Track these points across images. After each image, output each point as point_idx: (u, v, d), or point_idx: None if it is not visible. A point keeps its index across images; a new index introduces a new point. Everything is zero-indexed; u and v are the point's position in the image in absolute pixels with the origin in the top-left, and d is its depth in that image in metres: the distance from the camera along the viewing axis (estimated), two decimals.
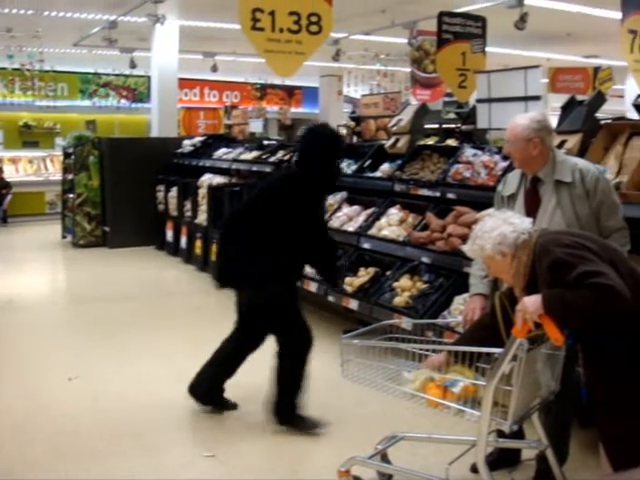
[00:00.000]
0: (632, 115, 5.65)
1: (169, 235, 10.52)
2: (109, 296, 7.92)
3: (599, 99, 5.06)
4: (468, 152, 5.61)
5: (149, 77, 13.66)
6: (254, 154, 8.99)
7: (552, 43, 14.63)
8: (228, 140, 11.29)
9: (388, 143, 6.78)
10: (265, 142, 10.01)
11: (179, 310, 7.34)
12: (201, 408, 4.58)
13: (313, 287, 6.11)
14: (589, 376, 2.80)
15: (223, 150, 10.05)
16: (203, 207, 9.42)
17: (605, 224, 3.30)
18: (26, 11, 11.74)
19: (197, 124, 17.91)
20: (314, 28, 7.26)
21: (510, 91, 5.65)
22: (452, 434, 3.68)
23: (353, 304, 5.71)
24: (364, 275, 5.80)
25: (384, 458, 3.51)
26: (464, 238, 4.66)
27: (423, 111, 6.89)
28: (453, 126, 9.51)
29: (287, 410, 4.29)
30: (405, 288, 5.37)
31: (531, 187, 3.44)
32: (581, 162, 3.43)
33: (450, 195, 5.46)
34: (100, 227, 11.29)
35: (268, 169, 8.02)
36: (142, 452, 4.07)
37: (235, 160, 9.15)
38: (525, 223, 2.89)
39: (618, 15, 7.99)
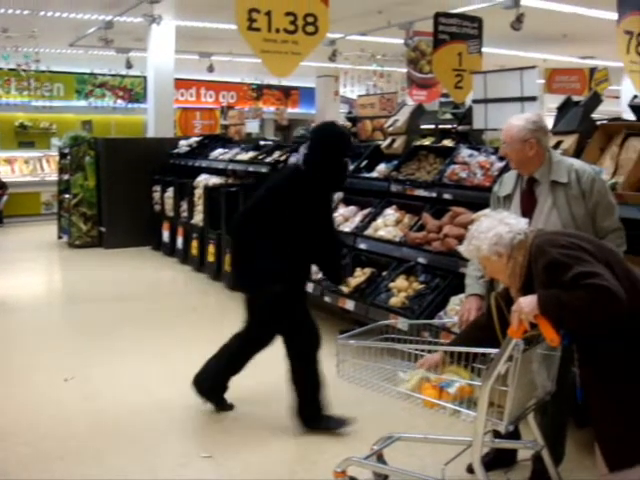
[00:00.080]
0: (628, 116, 5.64)
1: (165, 236, 10.51)
2: (105, 296, 7.91)
3: (595, 100, 5.06)
4: (464, 153, 5.62)
5: (145, 77, 13.67)
6: (250, 154, 8.98)
7: (548, 44, 14.66)
8: (224, 140, 11.28)
9: (384, 143, 6.78)
10: (261, 142, 9.99)
11: (175, 310, 7.33)
12: (198, 405, 4.57)
13: (309, 287, 6.10)
14: (585, 376, 2.80)
15: (219, 150, 10.04)
16: (199, 207, 9.41)
17: (601, 225, 3.31)
18: (22, 11, 11.73)
19: (193, 124, 17.87)
20: (310, 28, 7.25)
21: (506, 92, 5.65)
22: (448, 434, 3.69)
23: (349, 304, 5.71)
24: (360, 275, 5.80)
25: (380, 459, 3.51)
26: (460, 239, 4.66)
27: (419, 112, 6.89)
28: (449, 127, 9.49)
29: (309, 412, 4.27)
30: (401, 288, 5.37)
31: (527, 188, 3.44)
32: (577, 163, 3.44)
33: (446, 196, 5.46)
34: (96, 227, 11.28)
35: (264, 169, 8.02)
36: (139, 452, 4.06)
37: (231, 160, 9.15)
38: (521, 223, 2.89)
39: (614, 16, 7.99)
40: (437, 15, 9.54)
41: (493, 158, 5.36)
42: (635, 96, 7.16)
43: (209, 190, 9.02)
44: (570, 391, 3.17)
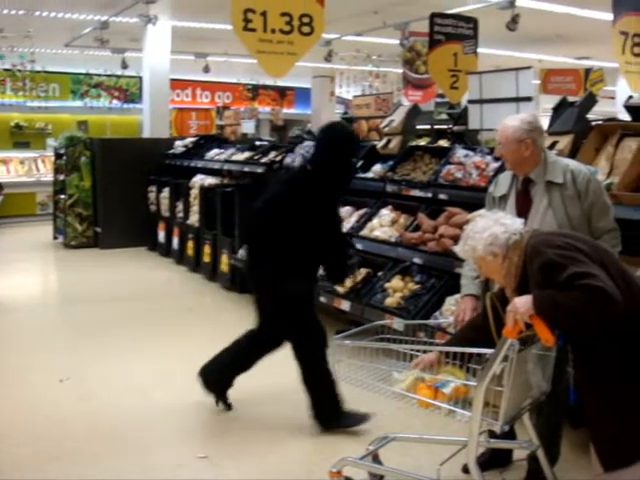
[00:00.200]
0: (623, 116, 5.65)
1: (161, 236, 10.50)
2: (100, 297, 7.90)
3: (590, 100, 5.08)
4: (460, 153, 5.62)
5: (141, 78, 13.64)
6: (246, 155, 8.98)
7: (543, 44, 14.67)
8: (220, 141, 11.27)
9: (380, 144, 6.79)
10: (257, 143, 9.99)
11: (171, 311, 7.32)
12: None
13: None
14: (580, 377, 2.81)
15: (215, 151, 10.03)
16: (195, 208, 9.40)
17: (596, 225, 3.31)
18: (17, 11, 11.69)
19: (189, 125, 17.86)
20: (306, 29, 7.25)
21: (502, 92, 5.66)
22: (443, 435, 3.69)
23: (345, 305, 5.72)
24: (356, 276, 5.79)
25: (375, 459, 3.50)
26: (456, 239, 4.66)
27: (415, 112, 6.90)
28: (445, 127, 9.50)
29: (326, 412, 4.25)
30: (397, 289, 5.38)
31: (522, 188, 3.44)
32: (572, 163, 3.44)
33: (442, 196, 5.46)
34: (92, 228, 11.26)
35: (260, 170, 8.02)
36: (134, 453, 4.05)
37: (227, 161, 9.14)
38: (516, 224, 2.89)
39: (609, 17, 8.01)
40: (432, 15, 9.53)
41: (489, 158, 5.37)
42: (630, 96, 7.19)
43: (205, 190, 9.02)
44: (565, 391, 3.18)
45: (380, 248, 5.79)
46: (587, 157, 4.35)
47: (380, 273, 5.70)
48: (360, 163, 6.66)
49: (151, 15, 11.22)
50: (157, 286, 8.75)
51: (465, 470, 3.53)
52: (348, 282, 5.72)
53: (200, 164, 9.80)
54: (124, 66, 13.59)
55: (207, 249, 8.68)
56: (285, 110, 20.65)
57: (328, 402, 4.24)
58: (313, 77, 19.50)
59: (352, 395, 4.00)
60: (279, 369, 4.50)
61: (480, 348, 2.81)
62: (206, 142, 10.98)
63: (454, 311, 3.87)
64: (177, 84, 19.14)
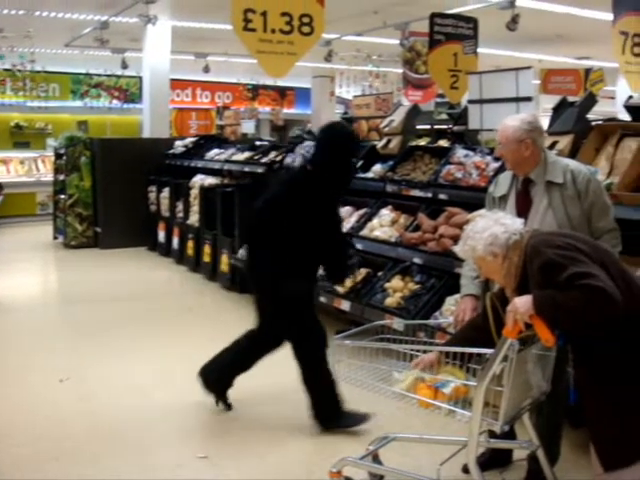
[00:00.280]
0: (623, 116, 5.65)
1: (161, 236, 10.50)
2: (100, 297, 7.90)
3: (590, 100, 5.08)
4: (460, 153, 5.62)
5: (141, 78, 13.65)
6: (246, 155, 8.98)
7: (543, 44, 14.67)
8: (220, 141, 11.27)
9: (380, 144, 6.79)
10: (257, 143, 9.99)
11: (171, 311, 7.32)
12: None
13: None
14: (580, 377, 2.81)
15: (215, 151, 10.03)
16: (195, 208, 9.40)
17: (596, 225, 3.31)
18: (17, 11, 11.69)
19: (189, 125, 17.85)
20: (306, 29, 7.25)
21: (502, 92, 5.66)
22: (443, 435, 3.69)
23: (345, 305, 5.72)
24: (356, 276, 5.79)
25: (375, 459, 3.50)
26: (456, 239, 4.66)
27: (415, 112, 6.90)
28: (445, 127, 9.50)
29: (326, 412, 4.25)
30: (397, 289, 5.38)
31: (522, 188, 3.44)
32: (572, 163, 3.44)
33: (442, 196, 5.46)
34: (92, 228, 11.26)
35: (260, 170, 8.01)
36: (134, 453, 4.05)
37: (227, 161, 9.14)
38: (516, 224, 2.89)
39: (609, 17, 8.01)
40: (433, 15, 9.53)
41: (488, 158, 5.37)
42: (630, 96, 7.19)
43: (205, 190, 9.02)
44: (565, 391, 3.18)
45: (380, 248, 5.79)
46: (587, 157, 4.35)
47: (380, 273, 5.70)
48: (360, 163, 6.65)
49: (151, 15, 11.22)
50: (157, 286, 8.75)
51: (465, 470, 3.53)
52: (348, 282, 5.72)
53: (200, 164, 9.80)
54: (124, 66, 13.58)
55: (207, 249, 8.68)
56: (285, 110, 20.64)
57: (328, 402, 4.24)
58: (313, 77, 19.50)
59: (352, 395, 4.00)
60: (279, 369, 4.50)
61: (480, 348, 2.81)
62: (206, 142, 10.98)
63: (454, 311, 3.87)
64: (177, 84, 19.14)
